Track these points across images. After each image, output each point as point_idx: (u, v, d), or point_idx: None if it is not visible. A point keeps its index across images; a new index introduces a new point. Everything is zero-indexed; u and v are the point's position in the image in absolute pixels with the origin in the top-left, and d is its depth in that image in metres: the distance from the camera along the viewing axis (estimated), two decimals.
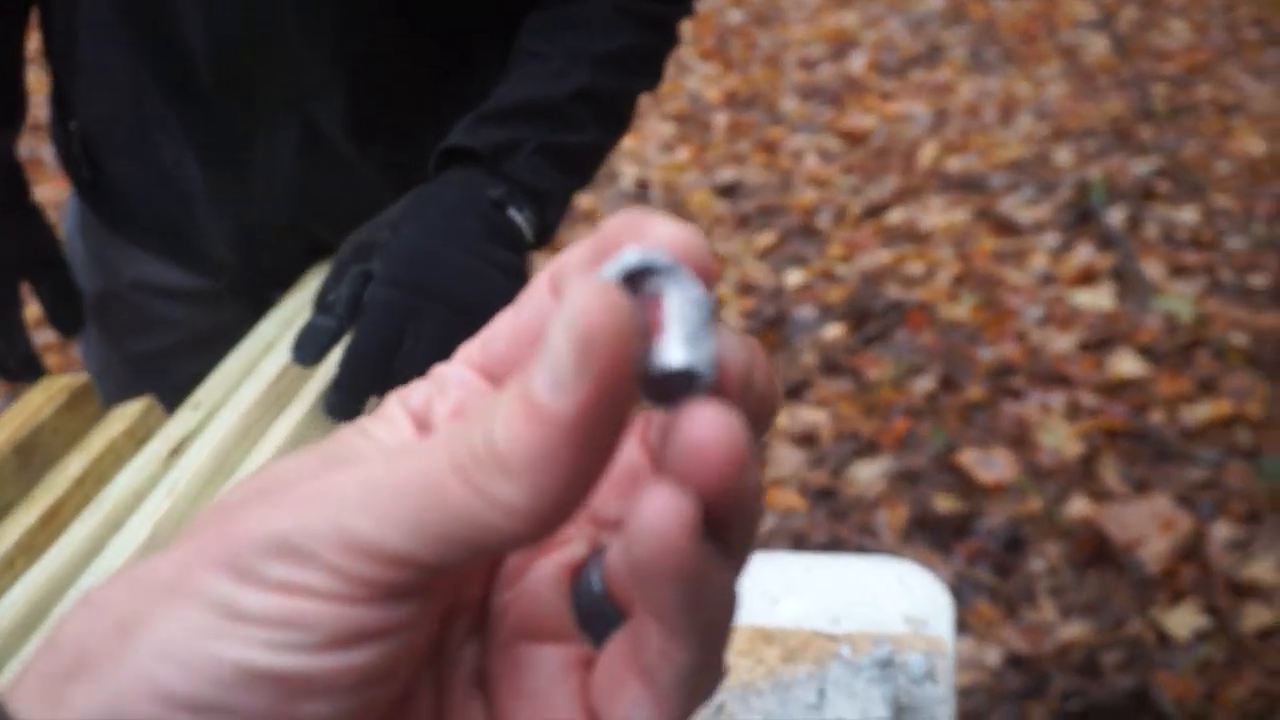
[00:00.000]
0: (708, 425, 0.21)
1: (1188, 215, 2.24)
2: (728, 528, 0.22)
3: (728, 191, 2.76)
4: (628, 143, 3.12)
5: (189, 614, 0.22)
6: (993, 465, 1.63)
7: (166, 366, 0.89)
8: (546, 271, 0.26)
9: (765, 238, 2.46)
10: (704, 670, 0.23)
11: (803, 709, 0.61)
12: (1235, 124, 2.67)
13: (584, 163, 0.74)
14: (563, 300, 0.20)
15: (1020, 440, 1.67)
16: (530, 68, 0.72)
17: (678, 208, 2.70)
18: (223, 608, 0.21)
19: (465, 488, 0.21)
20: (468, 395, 0.26)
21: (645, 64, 0.77)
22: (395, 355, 0.63)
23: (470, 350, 0.27)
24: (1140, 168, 2.47)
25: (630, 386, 0.20)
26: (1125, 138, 2.68)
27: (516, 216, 0.68)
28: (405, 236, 0.65)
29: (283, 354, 0.67)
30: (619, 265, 0.22)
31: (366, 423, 0.26)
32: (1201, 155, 2.53)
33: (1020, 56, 3.31)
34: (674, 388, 0.22)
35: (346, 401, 0.63)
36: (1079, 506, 1.54)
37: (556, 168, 0.71)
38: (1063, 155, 2.63)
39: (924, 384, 1.84)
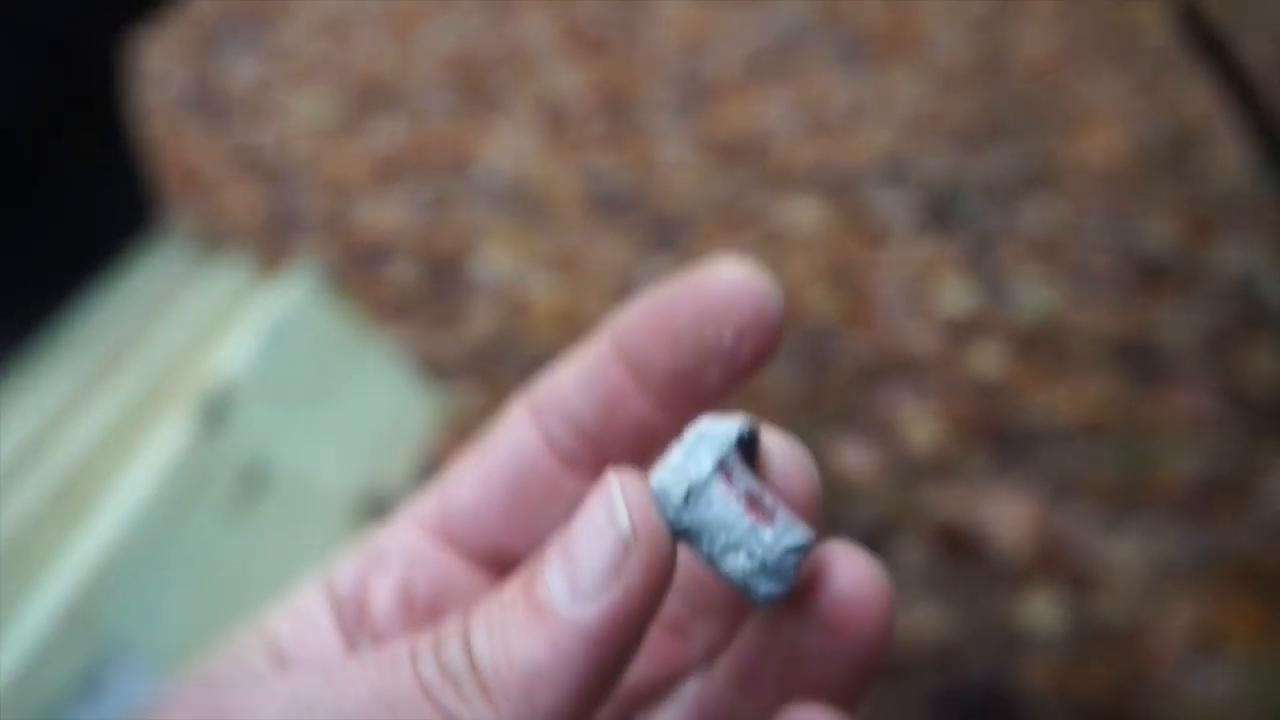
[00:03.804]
0: (864, 575, 0.19)
1: (1048, 212, 2.29)
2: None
3: (594, 188, 2.73)
4: (492, 136, 3.07)
5: None
6: (857, 459, 1.63)
7: None
8: (525, 406, 0.22)
9: (632, 235, 2.44)
10: None
11: None
12: (1093, 124, 2.74)
13: None
14: (607, 497, 0.18)
15: (884, 433, 1.67)
16: None
17: (541, 202, 2.66)
18: None
19: (434, 712, 0.16)
20: (419, 571, 0.22)
21: None
22: None
23: (423, 509, 0.22)
24: (1002, 165, 2.52)
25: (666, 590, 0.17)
26: (987, 136, 2.73)
27: None
28: None
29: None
30: (685, 472, 0.19)
31: (272, 623, 0.21)
32: (1061, 154, 2.59)
33: (883, 54, 3.35)
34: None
35: None
36: (942, 499, 1.55)
37: None
38: (925, 152, 2.67)
39: (788, 379, 1.83)
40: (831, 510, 1.55)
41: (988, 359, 1.82)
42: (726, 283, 0.21)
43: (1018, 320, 1.92)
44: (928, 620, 1.38)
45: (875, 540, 1.50)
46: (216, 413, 0.60)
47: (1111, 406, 1.68)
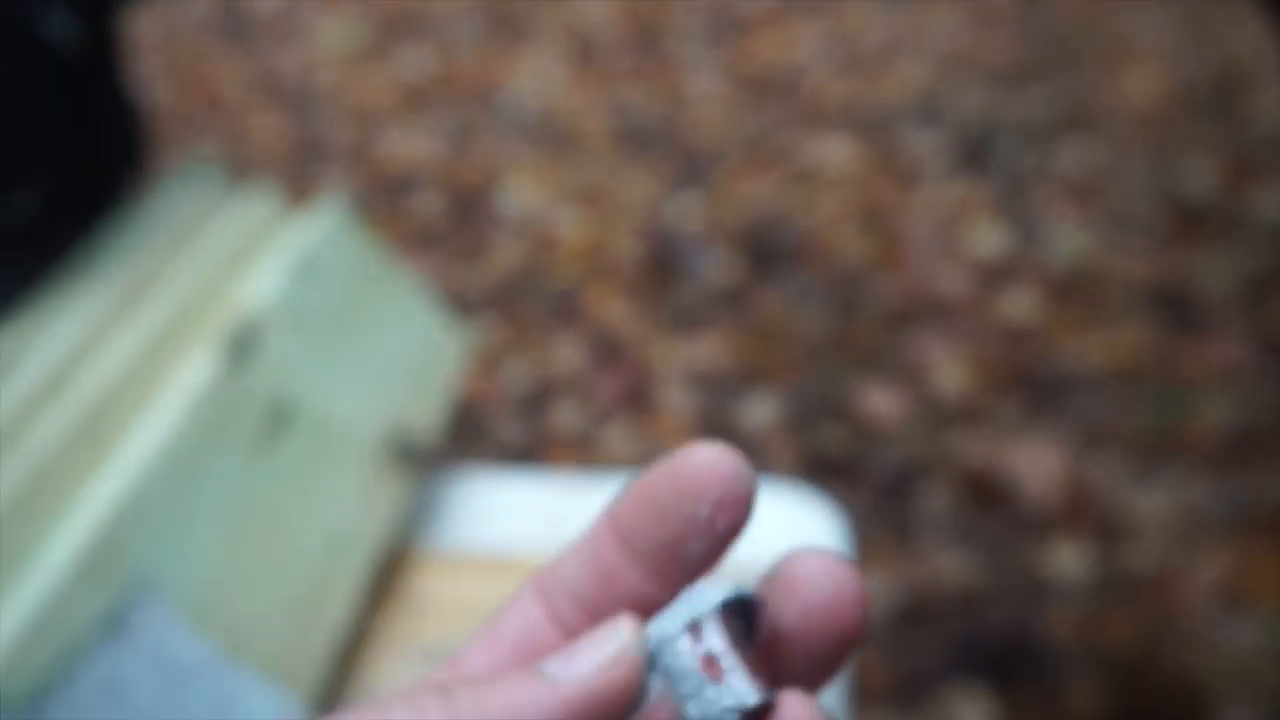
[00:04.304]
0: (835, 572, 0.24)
1: (1085, 154, 2.24)
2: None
3: (622, 121, 2.69)
4: (521, 67, 3.03)
5: None
6: (885, 402, 1.62)
7: None
8: (531, 585, 0.26)
9: (660, 169, 2.41)
10: None
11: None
12: (1133, 63, 2.69)
13: None
14: (615, 624, 0.22)
15: (913, 377, 1.65)
16: None
17: (569, 134, 2.62)
18: None
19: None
20: None
21: None
22: None
23: (436, 678, 0.26)
24: (1039, 104, 2.47)
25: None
26: (1024, 74, 2.68)
27: (46, 17, 0.59)
28: None
29: None
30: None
31: None
32: (1100, 93, 2.54)
33: None
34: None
35: None
36: (971, 445, 1.53)
37: None
38: (961, 91, 2.62)
39: (817, 319, 1.81)
40: (859, 454, 1.54)
41: (1020, 303, 1.79)
42: (703, 463, 0.24)
43: (1051, 264, 1.89)
44: (953, 566, 1.38)
45: (902, 485, 1.49)
46: (243, 346, 0.58)
47: (1145, 354, 1.65)
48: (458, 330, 0.75)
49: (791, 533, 0.66)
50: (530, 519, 0.67)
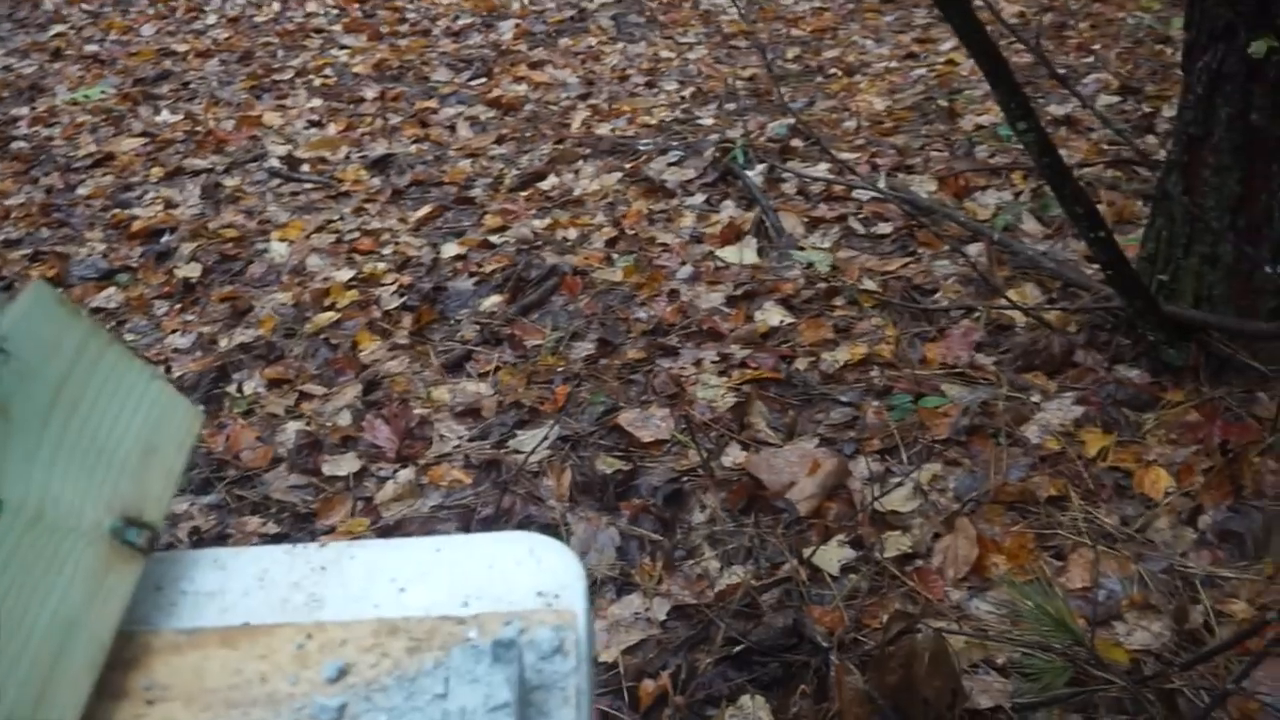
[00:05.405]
0: None
1: (820, 170, 2.36)
2: None
3: (380, 165, 2.69)
4: (274, 118, 2.99)
5: None
6: (651, 423, 1.67)
7: None
8: None
9: (420, 211, 2.42)
10: None
11: (428, 701, 0.59)
12: (858, 83, 2.84)
13: None
14: None
15: (676, 396, 1.71)
16: None
17: (328, 185, 2.60)
18: None
19: None
20: None
21: None
22: None
23: None
24: (776, 127, 2.58)
25: None
26: (761, 99, 2.80)
27: None
28: None
29: None
30: None
31: None
32: (830, 113, 2.68)
33: (662, 22, 3.39)
34: None
35: None
36: (734, 456, 1.59)
37: None
38: (705, 117, 2.72)
39: (582, 348, 1.86)
40: (630, 476, 1.58)
41: (772, 317, 1.87)
42: None
43: (799, 277, 1.98)
44: (727, 576, 1.43)
45: (673, 503, 1.54)
46: None
47: (887, 355, 1.75)
48: (184, 408, 0.76)
49: (528, 580, 0.69)
50: (270, 593, 0.68)
